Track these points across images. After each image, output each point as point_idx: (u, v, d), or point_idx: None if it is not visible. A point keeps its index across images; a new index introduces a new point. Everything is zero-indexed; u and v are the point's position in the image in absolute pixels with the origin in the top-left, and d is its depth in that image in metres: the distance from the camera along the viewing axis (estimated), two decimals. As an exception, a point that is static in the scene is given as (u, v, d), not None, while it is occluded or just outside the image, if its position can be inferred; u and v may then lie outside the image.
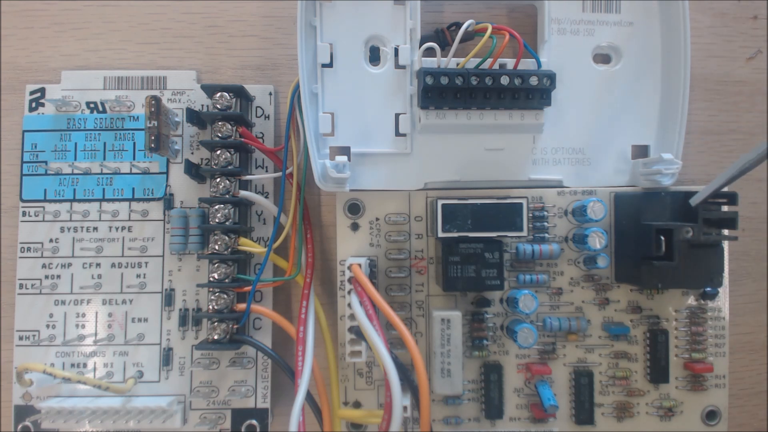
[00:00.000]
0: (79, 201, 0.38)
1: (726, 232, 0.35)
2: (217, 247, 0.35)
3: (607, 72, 0.38)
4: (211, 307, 0.35)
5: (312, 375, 0.33)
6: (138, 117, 0.38)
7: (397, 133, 0.37)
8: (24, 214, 0.37)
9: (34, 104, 0.38)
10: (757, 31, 0.41)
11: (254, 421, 0.37)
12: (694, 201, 0.33)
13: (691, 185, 0.38)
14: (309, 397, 0.33)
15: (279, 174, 0.36)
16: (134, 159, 0.38)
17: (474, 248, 0.34)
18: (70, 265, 0.37)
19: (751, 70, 0.41)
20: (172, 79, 0.38)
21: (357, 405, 0.36)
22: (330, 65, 0.36)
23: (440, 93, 0.35)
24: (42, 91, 0.38)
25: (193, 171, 0.37)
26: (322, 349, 0.36)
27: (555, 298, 0.37)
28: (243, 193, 0.36)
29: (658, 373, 0.36)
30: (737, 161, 0.30)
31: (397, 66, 0.36)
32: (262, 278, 0.36)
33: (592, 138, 0.38)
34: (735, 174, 0.30)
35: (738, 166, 0.30)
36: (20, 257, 0.37)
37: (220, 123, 0.36)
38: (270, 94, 0.38)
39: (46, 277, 0.37)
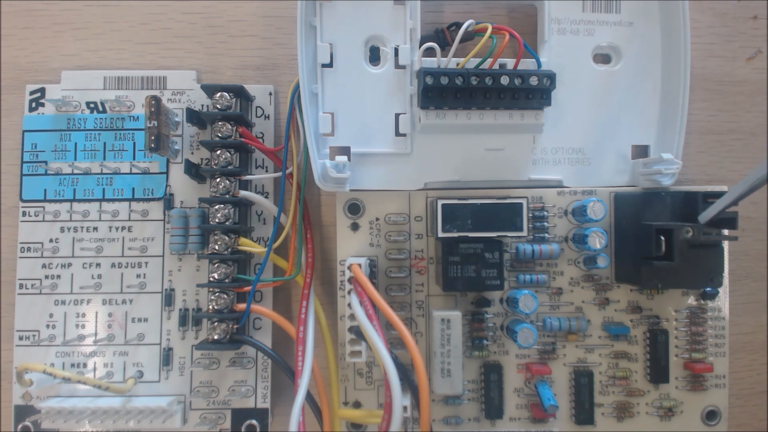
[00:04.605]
0: (79, 201, 0.38)
1: (726, 232, 0.35)
2: (217, 247, 0.35)
3: (607, 72, 0.38)
4: (211, 307, 0.35)
5: (312, 375, 0.33)
6: (138, 117, 0.38)
7: (397, 133, 0.37)
8: (24, 214, 0.37)
9: (34, 104, 0.38)
10: (757, 31, 0.41)
11: (254, 421, 0.37)
12: (703, 218, 0.33)
13: (691, 185, 0.38)
14: (309, 397, 0.33)
15: (279, 174, 0.36)
16: (134, 159, 0.38)
17: (474, 248, 0.34)
18: (70, 265, 0.37)
19: (751, 70, 0.41)
20: (172, 79, 0.38)
21: (357, 405, 0.36)
22: (330, 65, 0.36)
23: (440, 93, 0.35)
24: (42, 91, 0.38)
25: (193, 171, 0.37)
26: (322, 349, 0.36)
27: (555, 298, 0.37)
28: (243, 193, 0.36)
29: (658, 373, 0.36)
30: (747, 178, 0.30)
31: (397, 66, 0.36)
32: (262, 278, 0.36)
33: (592, 138, 0.38)
34: (746, 191, 0.30)
35: (749, 183, 0.30)
36: (20, 257, 0.37)
37: (220, 123, 0.36)
38: (270, 94, 0.38)
39: (46, 277, 0.37)
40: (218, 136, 0.36)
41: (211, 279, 0.35)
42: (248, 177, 0.37)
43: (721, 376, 0.37)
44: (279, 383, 0.38)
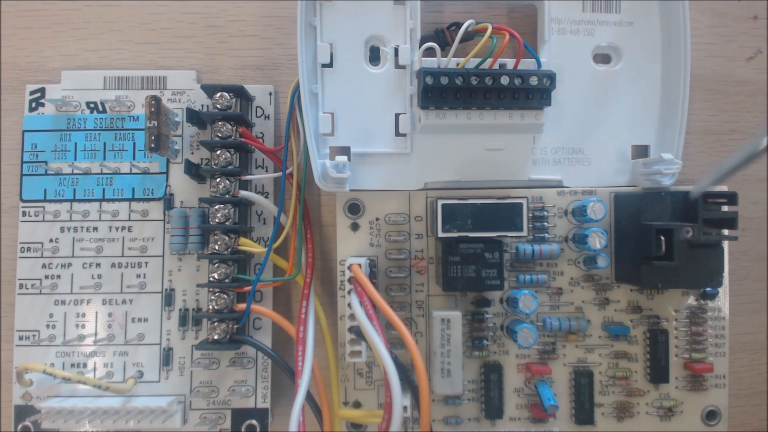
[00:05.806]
0: (79, 201, 0.38)
1: (726, 232, 0.35)
2: (217, 247, 0.35)
3: (607, 72, 0.38)
4: (211, 307, 0.35)
5: (312, 375, 0.33)
6: (138, 117, 0.38)
7: (397, 133, 0.37)
8: (24, 214, 0.37)
9: (34, 104, 0.38)
10: (757, 31, 0.41)
11: (254, 421, 0.37)
12: (693, 195, 0.33)
13: (691, 185, 0.38)
14: (309, 397, 0.33)
15: (279, 174, 0.36)
16: (134, 159, 0.38)
17: (474, 248, 0.34)
18: (70, 265, 0.37)
19: (751, 70, 0.41)
20: (172, 79, 0.38)
21: (357, 405, 0.36)
22: (330, 65, 0.36)
23: (440, 93, 0.35)
24: (42, 91, 0.38)
25: (193, 171, 0.37)
26: (322, 349, 0.36)
27: (555, 298, 0.37)
28: (243, 193, 0.36)
29: (658, 373, 0.36)
30: (736, 153, 0.30)
31: (397, 66, 0.36)
32: (262, 278, 0.36)
33: (592, 138, 0.38)
34: (736, 164, 0.30)
35: (739, 158, 0.30)
36: (20, 257, 0.37)
37: (220, 123, 0.36)
38: (270, 94, 0.38)
39: (46, 277, 0.37)
40: (218, 136, 0.36)
41: (211, 279, 0.35)
42: (248, 177, 0.37)
43: (721, 376, 0.37)
44: (279, 383, 0.38)
